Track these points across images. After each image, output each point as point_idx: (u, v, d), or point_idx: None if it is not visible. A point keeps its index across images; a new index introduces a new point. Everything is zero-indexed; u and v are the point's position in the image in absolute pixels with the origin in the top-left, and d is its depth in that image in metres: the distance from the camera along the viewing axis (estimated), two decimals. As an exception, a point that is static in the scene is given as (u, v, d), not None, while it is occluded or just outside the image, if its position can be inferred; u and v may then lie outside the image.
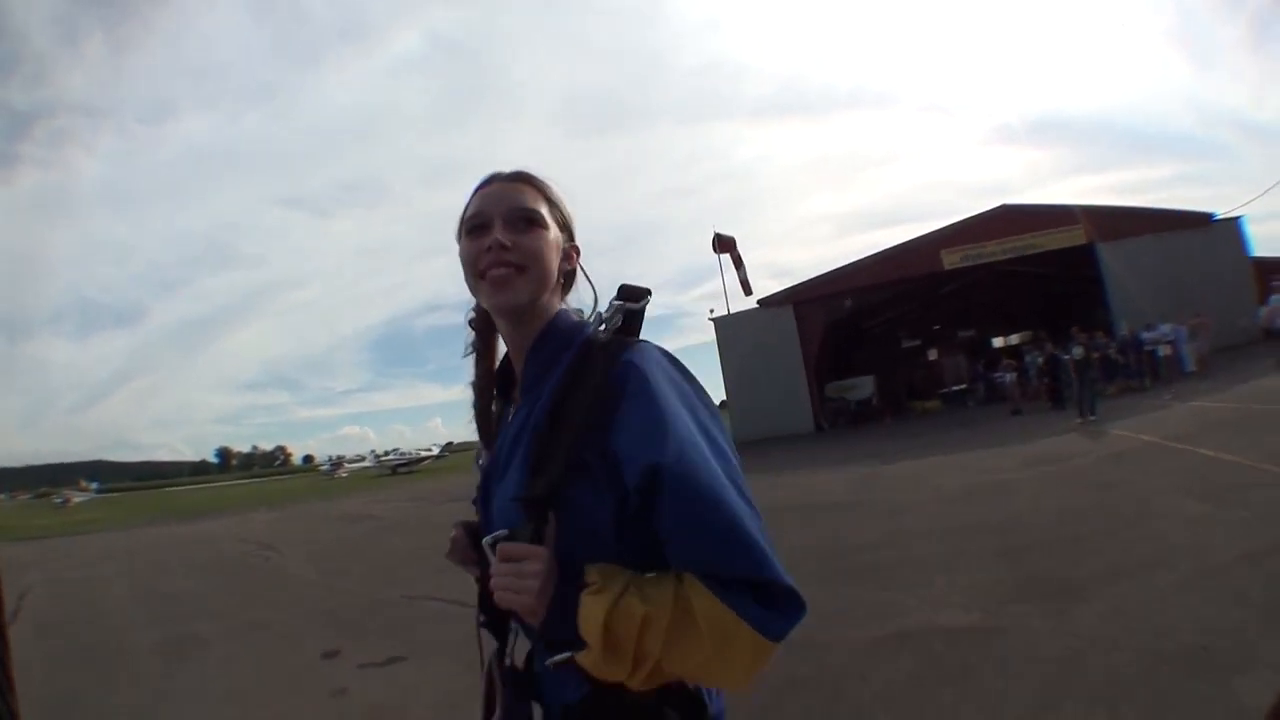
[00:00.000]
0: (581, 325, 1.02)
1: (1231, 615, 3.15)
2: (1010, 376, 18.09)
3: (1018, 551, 4.77)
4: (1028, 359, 18.76)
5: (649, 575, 0.86)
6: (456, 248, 1.02)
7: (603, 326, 0.98)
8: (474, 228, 1.00)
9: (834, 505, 8.06)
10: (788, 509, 7.65)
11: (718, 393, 22.32)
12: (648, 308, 1.01)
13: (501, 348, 1.12)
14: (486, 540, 0.89)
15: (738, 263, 22.59)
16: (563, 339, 1.00)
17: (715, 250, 22.35)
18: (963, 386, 24.82)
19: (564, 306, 1.06)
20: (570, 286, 1.09)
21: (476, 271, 0.99)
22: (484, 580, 0.98)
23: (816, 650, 3.38)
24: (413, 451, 50.69)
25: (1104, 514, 5.49)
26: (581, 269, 1.09)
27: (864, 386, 24.26)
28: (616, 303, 0.98)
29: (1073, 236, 20.24)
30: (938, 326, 29.37)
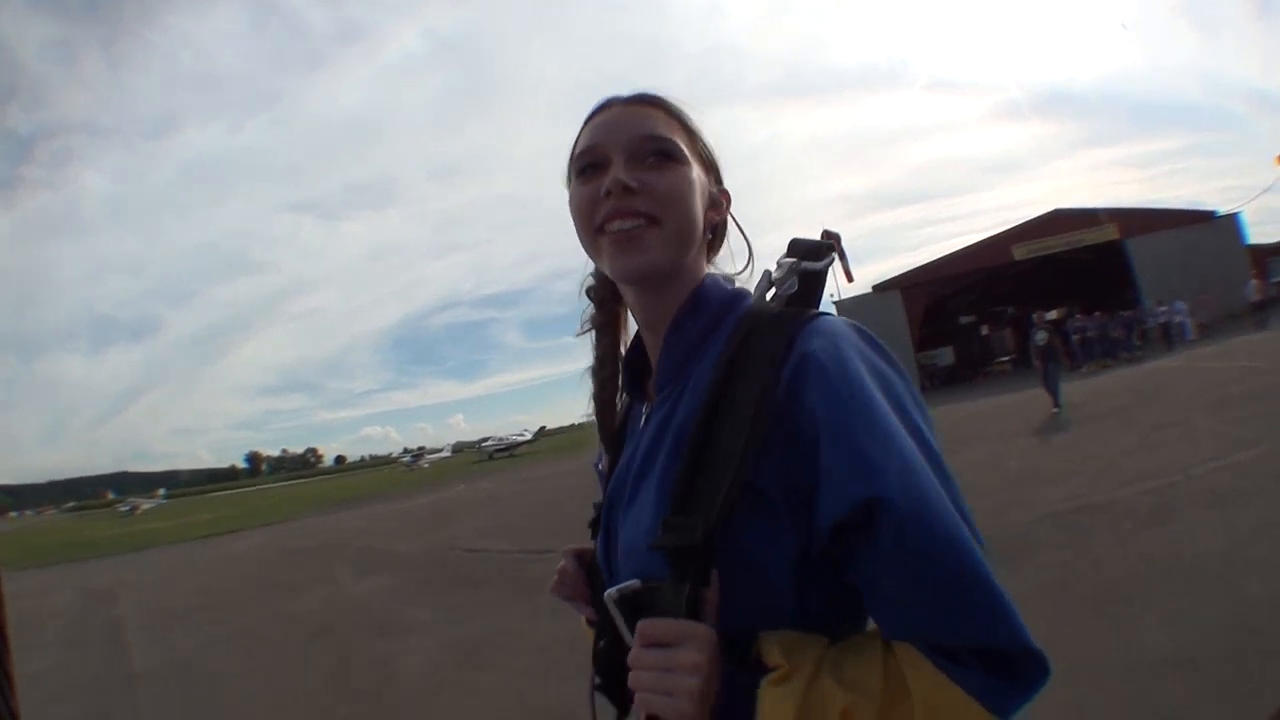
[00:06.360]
0: (739, 295, 0.78)
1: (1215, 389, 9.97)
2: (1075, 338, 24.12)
3: (1140, 393, 11.62)
4: (1069, 326, 24.60)
5: (846, 644, 0.62)
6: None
7: (771, 292, 0.73)
8: (586, 166, 0.75)
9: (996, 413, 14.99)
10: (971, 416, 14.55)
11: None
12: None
13: (632, 325, 0.86)
14: (610, 594, 0.65)
15: (841, 255, 29.51)
16: (713, 314, 0.76)
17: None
18: (1011, 357, 31.23)
19: (712, 271, 0.82)
20: (719, 245, 0.85)
21: (593, 225, 0.74)
22: (600, 628, 0.77)
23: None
24: (508, 437, 56.49)
25: (1150, 382, 12.38)
26: (733, 219, 0.84)
27: (945, 355, 31.03)
28: (788, 261, 0.73)
29: (1107, 233, 26.28)
30: (997, 308, 35.71)
